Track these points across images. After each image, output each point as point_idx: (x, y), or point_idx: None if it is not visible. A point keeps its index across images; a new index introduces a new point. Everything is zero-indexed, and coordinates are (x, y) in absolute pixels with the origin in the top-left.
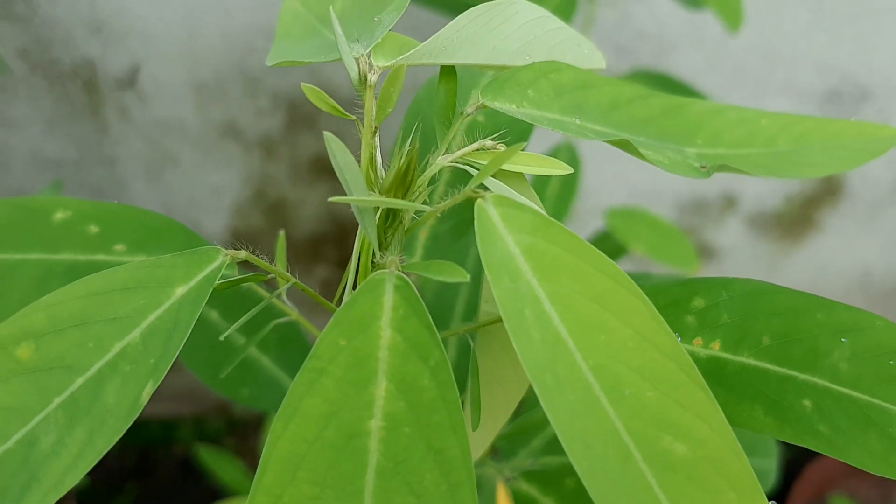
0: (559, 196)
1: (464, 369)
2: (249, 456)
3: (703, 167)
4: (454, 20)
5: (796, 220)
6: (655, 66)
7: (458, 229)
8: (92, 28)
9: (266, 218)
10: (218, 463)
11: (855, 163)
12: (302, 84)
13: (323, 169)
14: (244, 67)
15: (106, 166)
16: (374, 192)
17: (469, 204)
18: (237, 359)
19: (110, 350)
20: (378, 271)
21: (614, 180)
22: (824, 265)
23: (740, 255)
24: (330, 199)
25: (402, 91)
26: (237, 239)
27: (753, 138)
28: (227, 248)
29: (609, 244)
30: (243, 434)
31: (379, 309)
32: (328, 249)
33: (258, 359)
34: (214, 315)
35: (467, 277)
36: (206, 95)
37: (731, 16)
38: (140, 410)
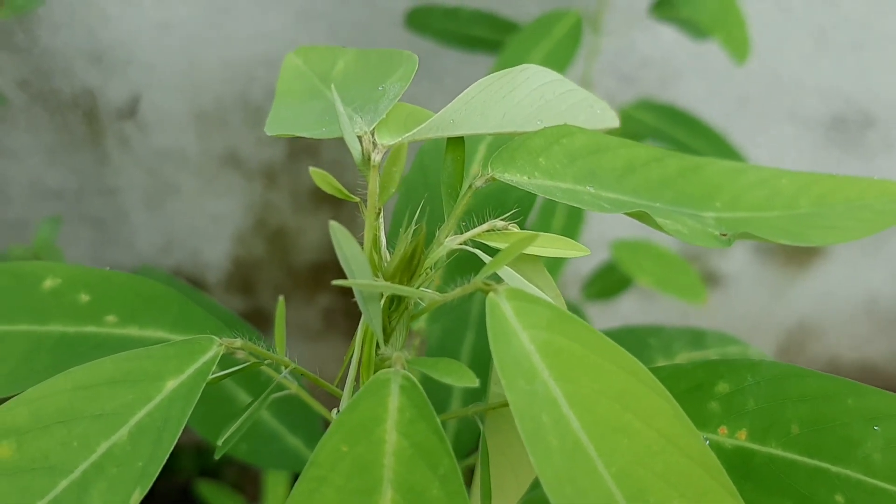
0: (564, 229)
1: (465, 445)
2: (250, 485)
3: (724, 235)
4: (464, 92)
5: (802, 247)
6: (660, 94)
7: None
8: (92, 58)
9: (268, 246)
10: (218, 498)
11: (880, 225)
12: (311, 168)
13: (324, 197)
14: (245, 96)
15: (107, 196)
16: (378, 277)
17: (475, 262)
18: (237, 425)
19: (96, 450)
20: (382, 370)
21: None
22: (830, 292)
23: (746, 282)
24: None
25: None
26: (238, 267)
27: (774, 200)
28: (223, 331)
29: (615, 276)
30: (244, 465)
31: (384, 411)
32: (330, 277)
33: (258, 414)
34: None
35: (476, 382)
36: (207, 125)
37: (738, 47)
38: None
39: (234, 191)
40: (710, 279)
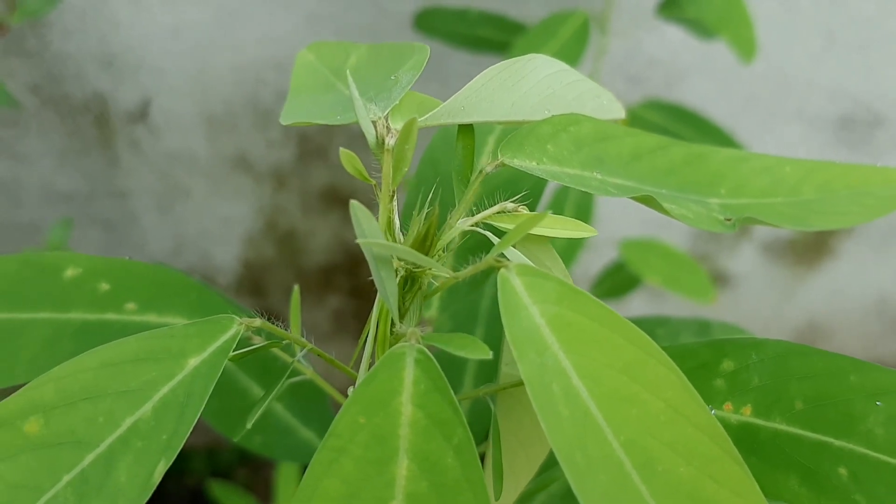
0: None
1: (478, 426)
2: (262, 487)
3: (728, 220)
4: (473, 80)
5: (811, 246)
6: (667, 94)
7: (474, 280)
8: (103, 63)
9: (277, 248)
10: (230, 498)
11: (882, 211)
12: (341, 149)
13: (334, 199)
14: (255, 100)
15: (117, 199)
16: (392, 258)
17: (487, 248)
18: (252, 415)
19: (121, 425)
20: (398, 344)
21: (627, 208)
22: (839, 291)
23: (755, 282)
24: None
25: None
26: (249, 269)
27: (777, 187)
28: (240, 317)
29: (623, 275)
30: (256, 466)
31: (399, 384)
32: (339, 279)
33: (271, 406)
34: (228, 362)
35: (489, 354)
36: (217, 128)
37: (745, 47)
38: (152, 491)
39: (244, 193)
40: (720, 279)
